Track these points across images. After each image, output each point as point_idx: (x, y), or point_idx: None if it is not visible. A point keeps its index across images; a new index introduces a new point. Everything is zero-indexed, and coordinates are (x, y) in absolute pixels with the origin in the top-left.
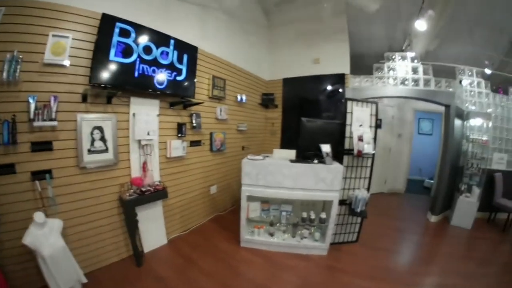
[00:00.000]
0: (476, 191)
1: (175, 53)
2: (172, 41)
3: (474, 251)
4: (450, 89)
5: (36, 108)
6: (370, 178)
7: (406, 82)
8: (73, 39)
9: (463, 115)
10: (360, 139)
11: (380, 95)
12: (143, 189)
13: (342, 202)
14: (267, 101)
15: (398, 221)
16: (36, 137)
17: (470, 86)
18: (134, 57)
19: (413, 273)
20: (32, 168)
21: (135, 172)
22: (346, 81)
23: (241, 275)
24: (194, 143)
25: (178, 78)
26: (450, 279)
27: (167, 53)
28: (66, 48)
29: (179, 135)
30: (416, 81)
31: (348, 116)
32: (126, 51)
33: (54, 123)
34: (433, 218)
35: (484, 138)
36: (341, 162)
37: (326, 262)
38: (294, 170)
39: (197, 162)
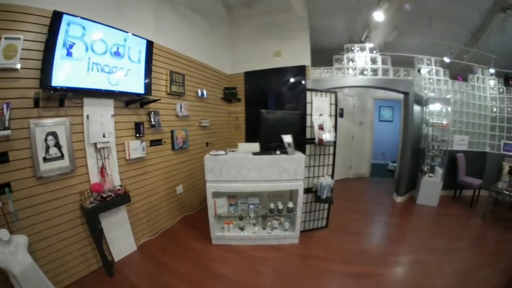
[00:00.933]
0: (439, 171)
1: (129, 49)
2: (125, 37)
3: (443, 228)
4: (409, 78)
5: None
6: (333, 165)
7: (365, 72)
8: (24, 40)
9: (422, 101)
10: (321, 128)
11: (340, 85)
12: (104, 195)
13: (308, 190)
14: (229, 95)
15: (366, 204)
16: None
17: (428, 74)
18: (85, 55)
19: (385, 254)
20: None
21: (94, 178)
22: (307, 72)
23: (215, 273)
24: (155, 143)
25: (133, 75)
26: (422, 256)
27: (121, 50)
28: (17, 50)
29: (138, 135)
30: (375, 71)
31: (308, 106)
32: (77, 49)
33: (8, 132)
34: (399, 199)
35: (444, 122)
36: (303, 151)
37: (298, 250)
38: (257, 163)
39: (159, 162)
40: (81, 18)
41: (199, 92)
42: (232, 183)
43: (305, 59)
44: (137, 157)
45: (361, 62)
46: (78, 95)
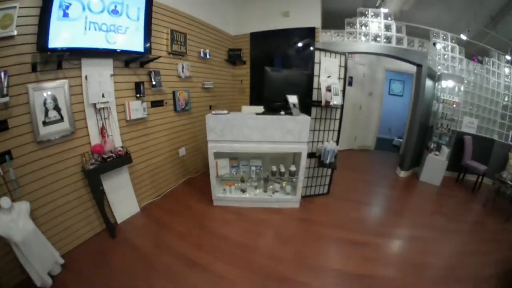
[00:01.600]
0: (446, 150)
1: (127, 6)
2: None
3: (443, 207)
4: (424, 50)
5: None
6: (339, 130)
7: (378, 39)
8: (20, 7)
9: (435, 77)
10: (328, 89)
11: (351, 50)
12: (105, 156)
13: (311, 155)
14: (234, 57)
15: (369, 175)
16: None
17: (444, 50)
18: (82, 15)
19: (384, 225)
20: None
21: (95, 139)
22: (317, 35)
23: (215, 233)
24: (156, 104)
25: (132, 33)
26: (420, 231)
27: (118, 7)
28: (13, 18)
29: (138, 95)
30: (388, 39)
31: (316, 66)
32: (74, 9)
33: (6, 99)
34: (402, 173)
35: (456, 100)
36: (309, 114)
37: (298, 215)
38: (260, 123)
39: (161, 123)
40: None
41: (202, 53)
42: (234, 143)
43: (315, 21)
44: (138, 117)
45: (375, 28)
46: (76, 56)
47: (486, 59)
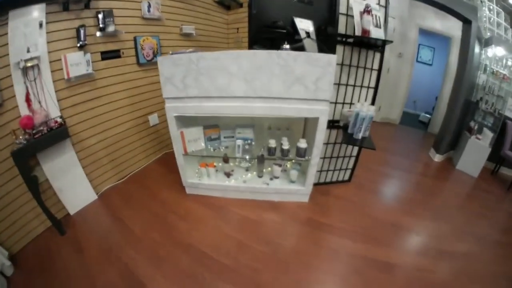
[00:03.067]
0: (489, 134)
1: None
2: None
3: (484, 208)
4: (472, 3)
5: None
6: (376, 88)
7: None
8: None
9: (482, 41)
10: (368, 11)
11: None
12: (34, 132)
13: (332, 124)
14: None
15: (397, 155)
16: None
17: (489, 11)
18: None
19: (421, 234)
20: None
21: (24, 110)
22: None
23: (179, 240)
24: (109, 55)
25: None
26: (465, 244)
27: None
28: None
29: (79, 44)
30: None
31: None
32: None
33: None
34: (437, 157)
35: (505, 73)
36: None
37: (306, 214)
38: (245, 64)
39: (119, 82)
40: None
41: None
42: (204, 102)
43: None
44: (81, 74)
45: None
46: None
47: None
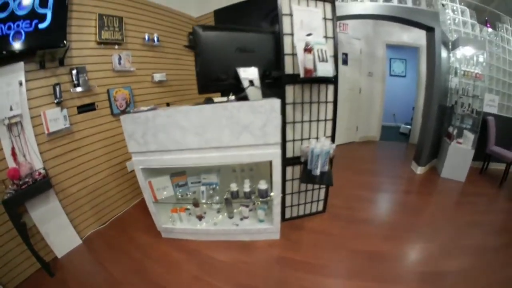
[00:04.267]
0: (470, 136)
1: None
2: None
3: (476, 215)
4: (433, 10)
5: None
6: (334, 120)
7: None
8: None
9: (449, 44)
10: (308, 49)
11: (342, 13)
12: (20, 183)
13: (293, 161)
14: (195, 42)
15: (378, 175)
16: None
17: (453, 13)
18: None
19: (408, 261)
20: None
21: (11, 163)
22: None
23: (154, 284)
24: (84, 108)
25: (40, 26)
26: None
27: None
28: None
29: (56, 101)
30: None
31: (286, 20)
32: None
33: None
34: (419, 170)
35: (477, 72)
36: (282, 96)
37: (278, 252)
38: (195, 119)
39: (95, 133)
40: None
41: (147, 38)
42: (164, 155)
43: None
44: (59, 129)
45: None
46: None
47: (499, 25)
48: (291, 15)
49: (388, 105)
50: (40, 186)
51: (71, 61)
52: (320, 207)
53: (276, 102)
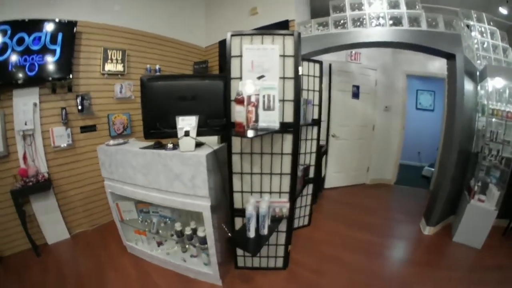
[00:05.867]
0: (495, 193)
1: (48, 35)
2: (45, 24)
3: None
4: (454, 32)
5: None
6: (293, 174)
7: (382, 21)
8: None
9: (476, 75)
10: (239, 100)
11: (342, 43)
12: (27, 180)
13: (242, 212)
14: (200, 71)
15: (375, 233)
16: None
17: (481, 35)
18: (8, 52)
19: None
20: None
21: (22, 164)
22: (291, 30)
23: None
24: (87, 129)
25: (51, 60)
26: None
27: (40, 38)
28: None
29: (62, 121)
30: (396, 20)
31: (235, 62)
32: (2, 49)
33: None
34: (427, 230)
35: (509, 109)
36: (229, 145)
37: None
38: (141, 161)
39: (94, 150)
40: (6, 21)
41: (148, 69)
42: (124, 185)
43: (288, 11)
44: (63, 144)
45: (375, 7)
46: (8, 89)
47: None
48: (240, 56)
49: (412, 141)
50: (42, 185)
51: (78, 89)
52: (280, 263)
53: (202, 156)
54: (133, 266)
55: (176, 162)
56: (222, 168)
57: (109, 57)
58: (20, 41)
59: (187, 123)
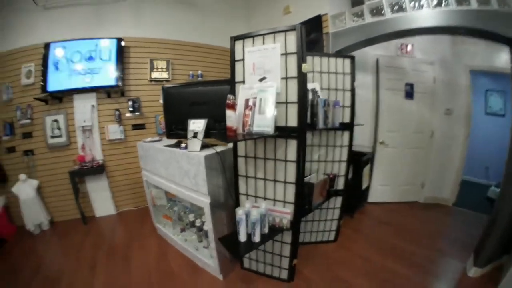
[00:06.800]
0: None
1: (100, 51)
2: (96, 43)
3: None
4: None
5: (21, 113)
6: (298, 184)
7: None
8: (35, 65)
9: None
10: (229, 105)
11: (383, 32)
12: (83, 165)
13: None
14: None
15: (408, 265)
16: (23, 130)
17: None
18: (67, 67)
19: None
20: (23, 148)
21: (80, 152)
22: (324, 24)
23: (128, 256)
24: (137, 127)
25: (103, 71)
26: None
27: (93, 54)
28: (32, 72)
29: (116, 120)
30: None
31: (239, 66)
32: (61, 64)
33: (29, 121)
34: (473, 272)
35: None
36: (235, 148)
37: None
38: (162, 156)
39: None
40: (61, 41)
41: (191, 75)
42: (154, 176)
43: (320, 6)
44: (115, 138)
45: None
46: (69, 94)
47: None
48: (243, 60)
49: (479, 154)
50: (96, 169)
51: (129, 93)
52: (284, 275)
53: (201, 157)
54: (157, 245)
55: (185, 161)
56: (227, 170)
57: (155, 66)
58: (76, 57)
59: (196, 126)
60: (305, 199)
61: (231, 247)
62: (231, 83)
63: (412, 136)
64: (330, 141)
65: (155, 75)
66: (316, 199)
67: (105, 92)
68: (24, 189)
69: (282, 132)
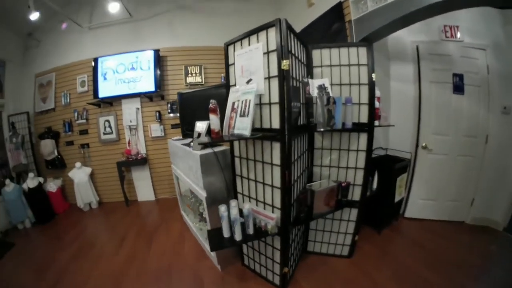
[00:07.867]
0: None
1: (140, 62)
2: (137, 55)
3: None
4: None
5: (78, 115)
6: (283, 189)
7: None
8: (88, 76)
9: None
10: (211, 109)
11: (417, 7)
12: (129, 157)
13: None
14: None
15: None
16: (80, 128)
17: None
18: (113, 76)
19: None
20: (79, 143)
21: (128, 146)
22: (346, 12)
23: (147, 242)
24: (176, 126)
25: (145, 79)
26: None
27: (134, 65)
28: (86, 82)
29: (157, 120)
30: None
31: (232, 70)
32: (109, 75)
33: (85, 121)
34: None
35: None
36: (231, 148)
37: (209, 279)
38: (181, 153)
39: None
40: (106, 56)
41: (223, 78)
42: (178, 169)
43: None
44: (157, 135)
45: None
46: (117, 99)
47: None
48: (233, 64)
49: None
50: (140, 161)
51: (168, 97)
52: (277, 281)
53: (196, 155)
54: (178, 230)
55: (190, 157)
56: (226, 169)
57: (189, 72)
58: (121, 68)
59: (200, 127)
60: (301, 206)
61: (213, 240)
62: (226, 87)
63: (463, 140)
64: (344, 144)
65: (189, 79)
66: (320, 208)
67: (147, 96)
68: (79, 174)
69: (267, 134)
